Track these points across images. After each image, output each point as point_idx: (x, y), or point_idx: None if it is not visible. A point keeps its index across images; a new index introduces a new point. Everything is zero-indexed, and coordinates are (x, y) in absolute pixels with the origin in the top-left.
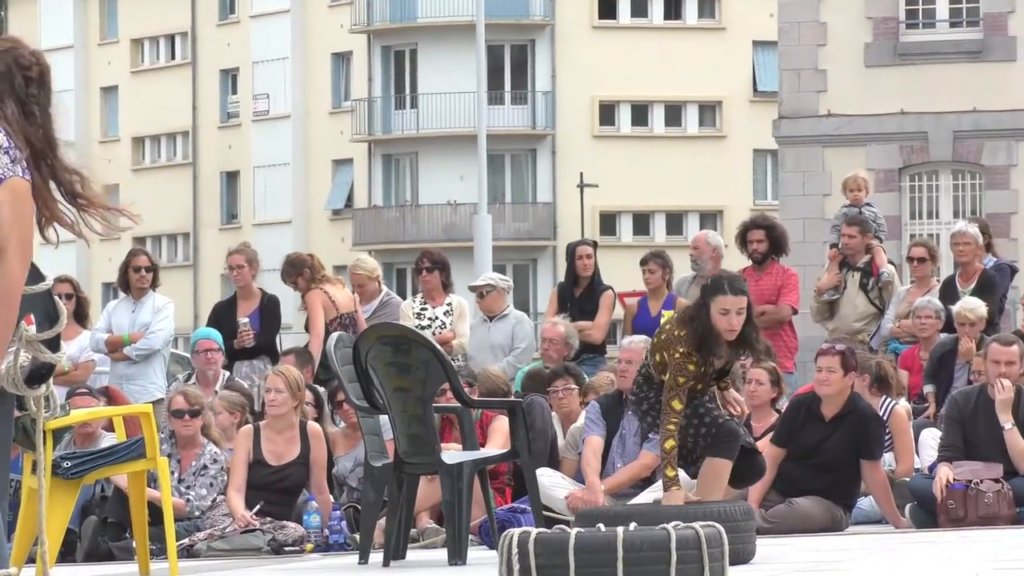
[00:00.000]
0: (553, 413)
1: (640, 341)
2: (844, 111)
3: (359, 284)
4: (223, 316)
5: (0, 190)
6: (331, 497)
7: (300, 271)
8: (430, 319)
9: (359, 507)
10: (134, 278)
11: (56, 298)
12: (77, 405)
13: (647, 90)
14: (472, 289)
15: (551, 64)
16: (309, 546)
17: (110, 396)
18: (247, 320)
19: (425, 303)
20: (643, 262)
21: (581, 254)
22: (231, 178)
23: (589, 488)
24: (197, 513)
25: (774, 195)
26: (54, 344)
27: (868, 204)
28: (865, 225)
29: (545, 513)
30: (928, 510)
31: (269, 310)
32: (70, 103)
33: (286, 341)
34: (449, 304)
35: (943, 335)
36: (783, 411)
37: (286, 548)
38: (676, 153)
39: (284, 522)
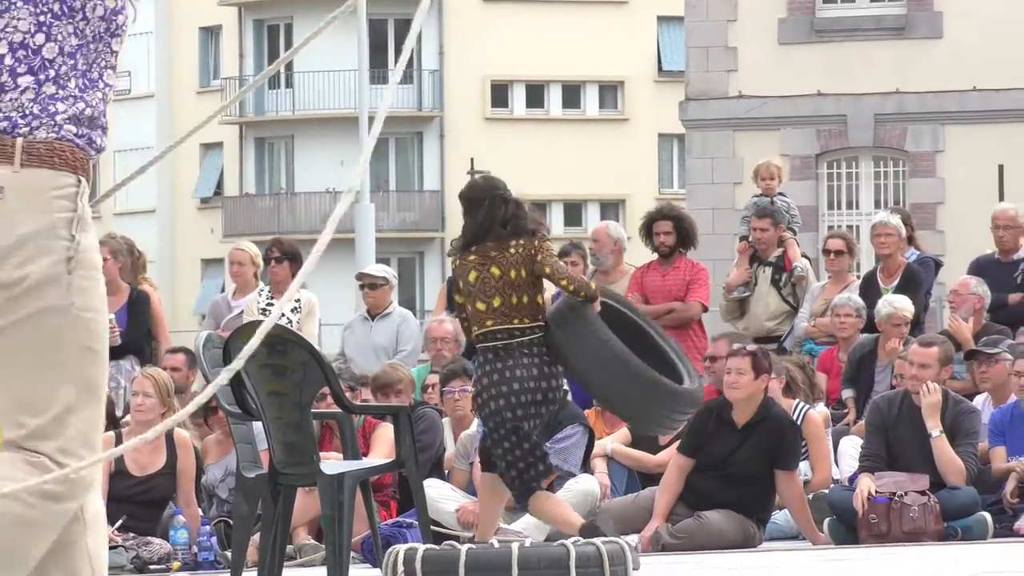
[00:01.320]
0: (444, 419)
1: None
2: (756, 92)
3: (238, 271)
4: None
5: None
6: (200, 511)
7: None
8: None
9: (230, 521)
10: None
11: None
12: None
13: (543, 69)
14: (362, 279)
15: (438, 40)
16: (176, 564)
17: None
18: (112, 317)
19: (272, 298)
20: (563, 253)
21: None
22: None
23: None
24: None
25: (681, 183)
26: None
27: (781, 194)
28: (777, 216)
29: (433, 528)
30: (848, 525)
31: (137, 306)
32: None
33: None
34: (298, 300)
35: (863, 335)
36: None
37: (151, 566)
38: (574, 137)
39: (149, 538)
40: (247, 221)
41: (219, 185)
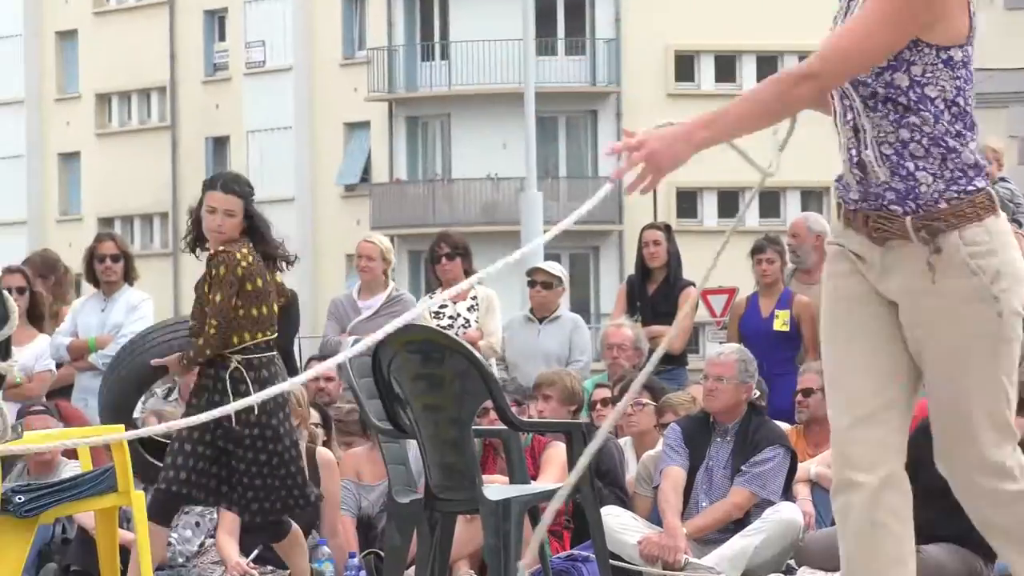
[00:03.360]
0: (624, 438)
1: (734, 352)
2: (979, 64)
3: (366, 267)
4: None
5: None
6: (347, 541)
7: (48, 277)
8: (451, 317)
9: (382, 554)
10: (100, 269)
11: (5, 293)
12: (33, 426)
13: (735, 37)
14: (534, 275)
15: (615, 5)
16: None
17: (62, 414)
18: None
19: (448, 298)
20: (757, 250)
21: (648, 240)
22: (219, 145)
23: (667, 531)
24: (181, 560)
25: None
26: (3, 350)
27: (1003, 179)
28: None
29: (612, 562)
30: None
31: (283, 308)
32: (18, 51)
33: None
34: (474, 298)
35: None
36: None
37: None
38: None
39: (290, 571)
40: (397, 211)
41: (366, 171)
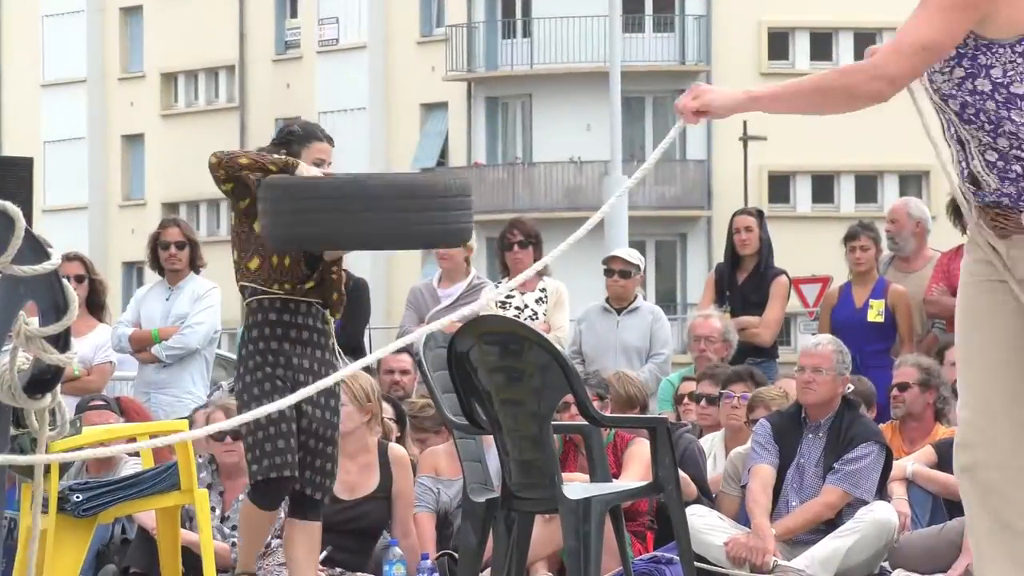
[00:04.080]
0: (713, 434)
1: (830, 342)
2: None
3: (445, 254)
4: None
5: None
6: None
7: None
8: (518, 308)
9: (456, 555)
10: (164, 256)
11: (64, 281)
12: (92, 421)
13: (831, 13)
14: (611, 263)
15: None
16: None
17: (123, 408)
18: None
19: (514, 289)
20: (851, 236)
21: (740, 226)
22: None
23: (755, 532)
24: None
25: None
26: (62, 341)
27: None
28: None
29: (698, 564)
30: None
31: (352, 297)
32: (80, 28)
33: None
34: (543, 290)
35: None
36: None
37: None
38: None
39: (359, 574)
40: (476, 197)
41: (443, 154)
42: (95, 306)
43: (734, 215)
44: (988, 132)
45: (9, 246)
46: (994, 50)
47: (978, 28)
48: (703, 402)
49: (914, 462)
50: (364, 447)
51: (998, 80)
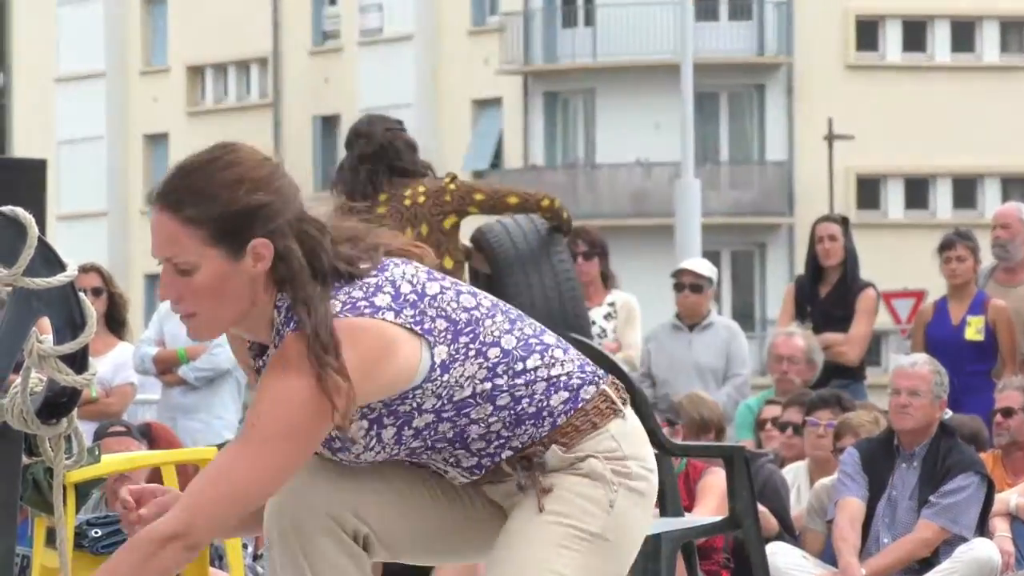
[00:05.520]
0: (797, 463)
1: (927, 362)
2: None
3: None
4: None
5: None
6: None
7: None
8: None
9: None
10: None
11: (81, 295)
12: (112, 449)
13: (926, 0)
14: (681, 277)
15: None
16: None
17: (153, 436)
18: None
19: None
20: (946, 246)
21: (822, 234)
22: (328, 125)
23: (843, 571)
24: None
25: None
26: (79, 361)
27: None
28: None
29: None
30: None
31: None
32: (98, 18)
33: None
34: (611, 304)
35: None
36: None
37: None
38: (968, 91)
39: None
40: None
41: (497, 154)
42: (115, 322)
43: (816, 222)
44: None
45: (20, 256)
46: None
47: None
48: (789, 431)
49: (1019, 495)
50: None
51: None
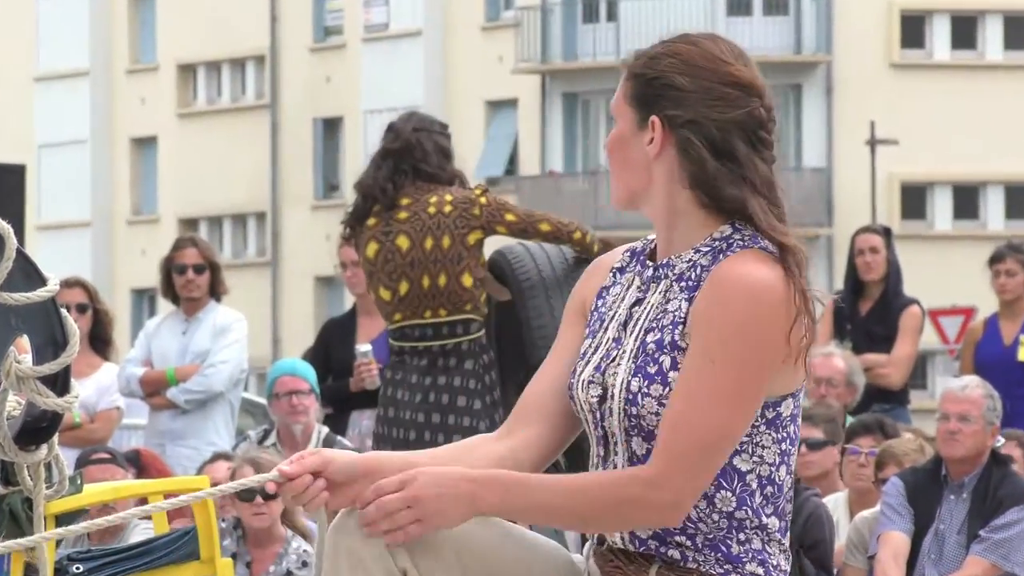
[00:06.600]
0: (836, 494)
1: (979, 385)
2: None
3: None
4: (335, 341)
5: None
6: None
7: None
8: None
9: None
10: (180, 282)
11: (63, 312)
12: (95, 477)
13: None
14: None
15: None
16: None
17: (142, 463)
18: (369, 348)
19: None
20: (996, 259)
21: (863, 247)
22: (329, 128)
23: None
24: None
25: None
26: (60, 383)
27: None
28: None
29: None
30: None
31: None
32: (82, 13)
33: None
34: None
35: None
36: None
37: None
38: (1022, 92)
39: None
40: (552, 209)
41: (512, 160)
42: (99, 341)
43: (856, 233)
44: None
45: None
46: None
47: None
48: (803, 447)
49: None
50: None
51: None
